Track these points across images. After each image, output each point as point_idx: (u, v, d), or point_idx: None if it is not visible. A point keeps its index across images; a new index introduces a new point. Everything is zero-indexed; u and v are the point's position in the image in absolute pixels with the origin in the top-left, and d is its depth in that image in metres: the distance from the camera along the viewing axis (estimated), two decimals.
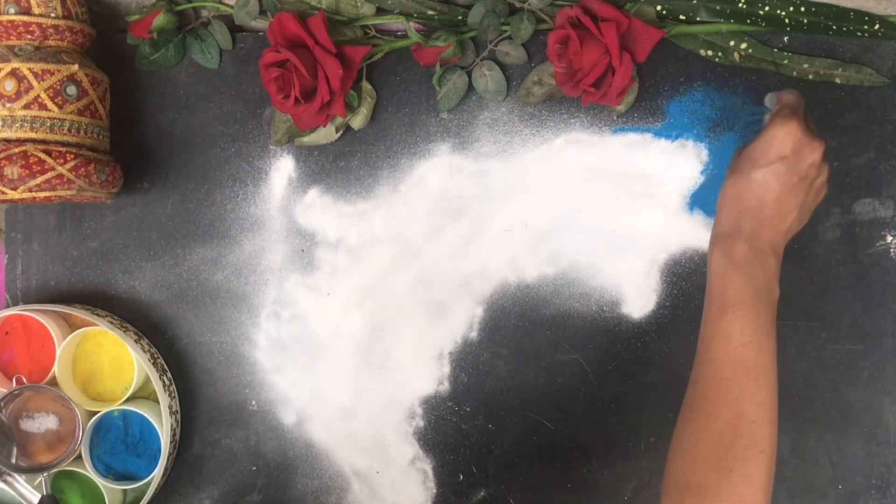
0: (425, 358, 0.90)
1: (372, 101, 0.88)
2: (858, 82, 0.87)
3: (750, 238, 0.66)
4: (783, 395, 0.87)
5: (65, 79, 0.79)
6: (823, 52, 0.87)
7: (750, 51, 0.86)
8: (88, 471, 0.86)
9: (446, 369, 0.90)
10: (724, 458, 0.60)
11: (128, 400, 0.87)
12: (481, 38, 0.86)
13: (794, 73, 0.87)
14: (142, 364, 0.85)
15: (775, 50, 0.86)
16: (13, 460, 0.84)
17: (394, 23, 0.87)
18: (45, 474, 0.84)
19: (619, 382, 0.89)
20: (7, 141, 0.78)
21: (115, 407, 0.86)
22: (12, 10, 0.80)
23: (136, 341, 0.87)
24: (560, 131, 0.89)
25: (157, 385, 0.85)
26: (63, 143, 0.79)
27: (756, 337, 0.64)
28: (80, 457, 0.86)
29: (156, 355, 0.89)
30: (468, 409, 0.90)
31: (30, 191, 0.77)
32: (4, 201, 0.79)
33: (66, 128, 0.79)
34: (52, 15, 0.80)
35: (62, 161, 0.78)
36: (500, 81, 0.87)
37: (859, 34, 0.85)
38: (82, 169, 0.78)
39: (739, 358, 0.64)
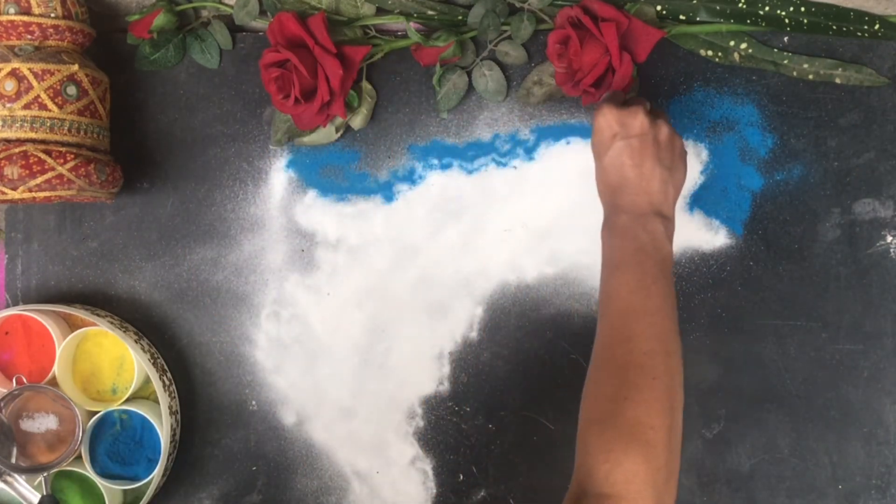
0: (425, 358, 0.90)
1: (372, 101, 0.88)
2: (858, 82, 0.87)
3: (628, 209, 0.73)
4: (783, 395, 0.88)
5: (65, 79, 0.79)
6: (823, 52, 0.87)
7: (750, 51, 0.86)
8: (88, 471, 0.86)
9: (446, 369, 0.90)
10: (620, 390, 0.65)
11: (128, 400, 0.87)
12: (481, 38, 0.86)
13: (794, 73, 0.87)
14: (142, 364, 0.85)
15: (775, 50, 0.86)
16: (13, 460, 0.84)
17: (394, 23, 0.87)
18: (45, 474, 0.84)
19: None
20: (7, 141, 0.78)
21: (115, 407, 0.86)
22: (12, 10, 0.80)
23: (136, 341, 0.87)
24: (560, 131, 0.89)
25: (157, 385, 0.85)
26: (63, 143, 0.79)
27: (643, 284, 0.69)
28: (80, 457, 0.86)
29: (156, 355, 0.89)
30: (468, 409, 0.90)
31: (30, 191, 0.77)
32: (4, 201, 0.79)
33: (66, 128, 0.79)
34: (52, 15, 0.80)
35: (62, 161, 0.78)
36: (500, 81, 0.87)
37: (859, 34, 0.85)
38: (82, 169, 0.78)
39: (628, 305, 0.69)
